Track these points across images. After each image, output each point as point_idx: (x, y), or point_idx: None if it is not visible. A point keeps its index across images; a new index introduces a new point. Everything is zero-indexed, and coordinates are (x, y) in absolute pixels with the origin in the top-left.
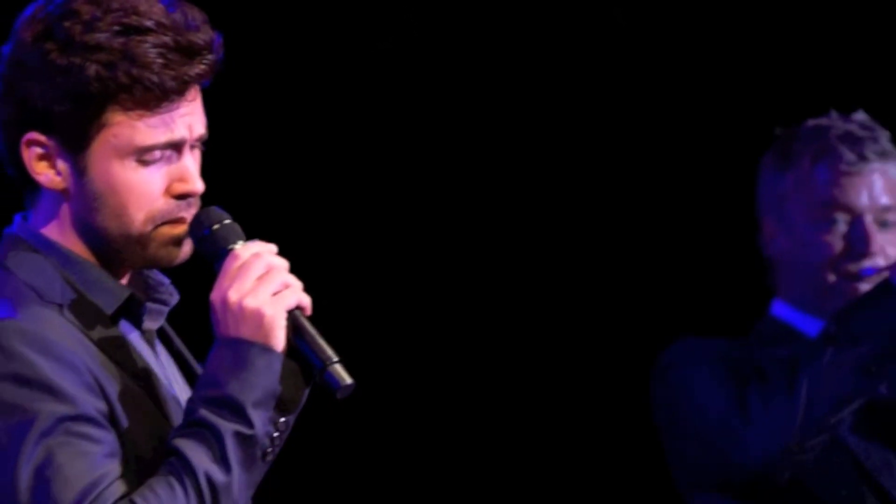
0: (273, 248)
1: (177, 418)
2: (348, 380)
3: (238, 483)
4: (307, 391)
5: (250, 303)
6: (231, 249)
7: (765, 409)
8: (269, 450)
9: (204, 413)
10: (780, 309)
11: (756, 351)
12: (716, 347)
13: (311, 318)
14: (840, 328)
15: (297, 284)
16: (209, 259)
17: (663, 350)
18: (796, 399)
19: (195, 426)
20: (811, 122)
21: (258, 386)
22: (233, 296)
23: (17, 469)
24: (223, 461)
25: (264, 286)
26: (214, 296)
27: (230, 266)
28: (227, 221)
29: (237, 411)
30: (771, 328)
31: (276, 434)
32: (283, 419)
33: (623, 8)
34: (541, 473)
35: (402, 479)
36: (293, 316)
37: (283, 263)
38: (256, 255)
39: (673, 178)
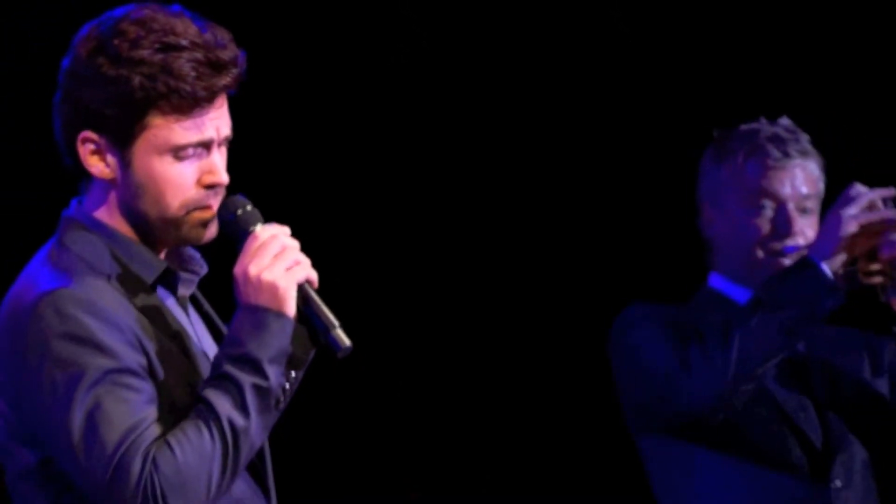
0: (287, 230)
1: (205, 371)
2: (347, 342)
3: (255, 427)
4: (313, 351)
5: (267, 276)
6: (252, 231)
7: (703, 361)
8: (281, 399)
9: (227, 368)
10: (716, 281)
11: (696, 315)
12: (662, 311)
13: (317, 291)
14: (766, 296)
15: (306, 262)
16: (233, 238)
17: (618, 314)
18: (729, 353)
19: (220, 379)
20: (744, 126)
21: (273, 346)
22: (252, 270)
23: (71, 413)
24: (243, 408)
25: (279, 262)
26: (237, 270)
27: (251, 245)
28: (249, 207)
29: (255, 367)
30: (708, 297)
31: (287, 386)
32: (293, 374)
33: (622, 12)
34: (516, 420)
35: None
36: (302, 288)
37: (295, 244)
38: (273, 237)
39: (624, 175)
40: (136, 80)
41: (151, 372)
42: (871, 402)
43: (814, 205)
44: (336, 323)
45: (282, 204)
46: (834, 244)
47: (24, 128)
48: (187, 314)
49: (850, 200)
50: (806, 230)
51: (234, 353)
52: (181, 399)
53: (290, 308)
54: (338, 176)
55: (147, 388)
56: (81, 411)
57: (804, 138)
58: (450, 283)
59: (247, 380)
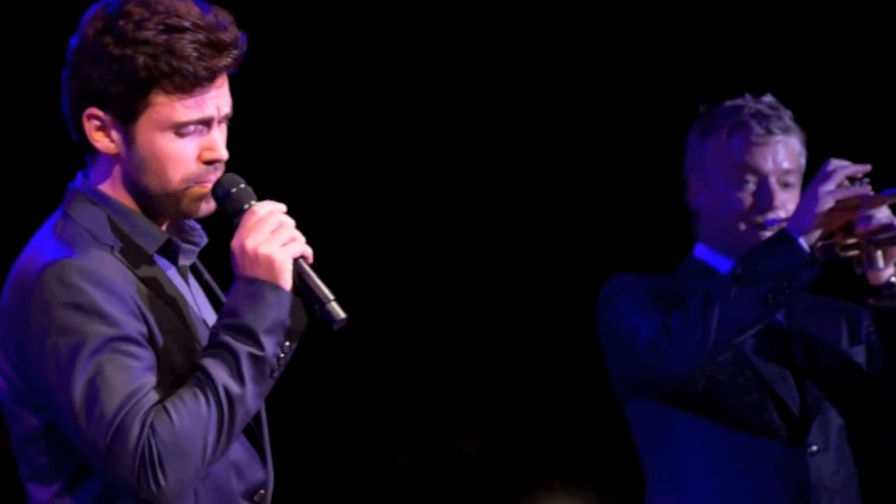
0: (283, 207)
1: (204, 339)
2: (343, 315)
3: (250, 395)
4: (306, 322)
5: (264, 250)
6: (249, 206)
7: (685, 332)
8: (276, 369)
9: (224, 337)
10: (701, 251)
11: (680, 284)
12: (645, 281)
13: (312, 266)
14: (745, 268)
15: (301, 238)
16: (229, 214)
17: (604, 283)
18: (709, 324)
19: (216, 348)
20: (728, 102)
21: (269, 316)
22: (249, 244)
23: (73, 380)
24: (239, 376)
25: (276, 237)
26: (234, 243)
27: (248, 219)
28: (243, 185)
29: (251, 336)
30: (693, 267)
31: (281, 356)
32: (287, 344)
33: None
34: (504, 385)
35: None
36: (298, 263)
37: (291, 221)
38: (271, 213)
39: (612, 148)
40: (141, 59)
41: (152, 340)
42: (848, 371)
43: (795, 179)
44: (331, 296)
45: (276, 184)
46: (811, 219)
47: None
48: (188, 284)
49: (826, 176)
50: (787, 204)
51: (231, 323)
52: (180, 366)
53: (286, 281)
54: (331, 155)
55: (147, 355)
56: (83, 378)
57: (787, 115)
58: (440, 257)
59: (243, 349)
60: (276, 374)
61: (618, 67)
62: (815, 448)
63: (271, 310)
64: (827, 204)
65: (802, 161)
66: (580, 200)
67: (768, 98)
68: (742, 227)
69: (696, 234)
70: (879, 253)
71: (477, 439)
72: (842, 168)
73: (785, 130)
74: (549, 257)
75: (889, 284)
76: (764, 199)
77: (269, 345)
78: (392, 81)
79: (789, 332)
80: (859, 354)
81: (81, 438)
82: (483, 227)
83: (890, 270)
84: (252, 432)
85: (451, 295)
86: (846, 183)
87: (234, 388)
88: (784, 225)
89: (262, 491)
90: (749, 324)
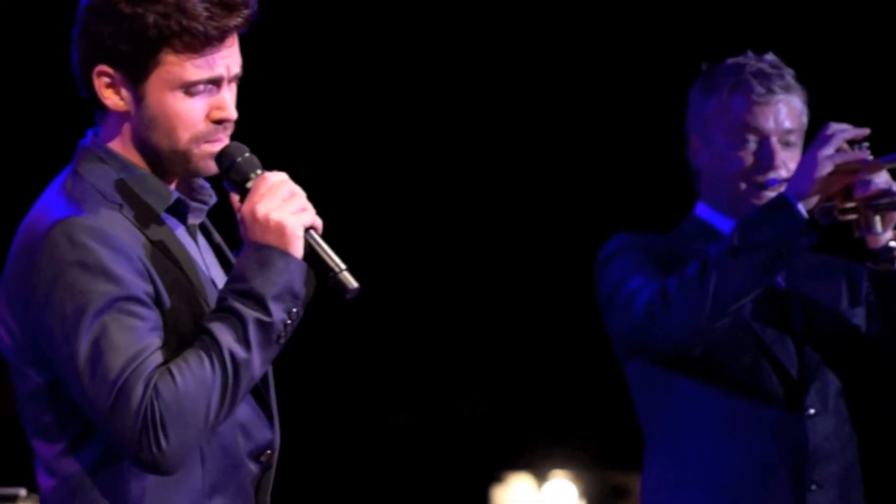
0: (287, 177)
1: (212, 299)
2: (355, 284)
3: (256, 360)
4: (313, 290)
5: (275, 216)
6: (256, 175)
7: (682, 297)
8: (283, 334)
9: (232, 302)
10: (702, 210)
11: (680, 243)
12: (645, 241)
13: (321, 236)
14: (743, 234)
15: (312, 208)
16: (233, 183)
17: (603, 244)
18: (706, 290)
19: (224, 312)
20: (730, 60)
21: (277, 283)
22: (261, 210)
23: (78, 339)
24: (245, 342)
25: (287, 205)
26: (245, 209)
27: (260, 185)
28: (248, 154)
29: (259, 302)
30: (694, 226)
31: (288, 322)
32: (294, 311)
33: None
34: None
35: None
36: (308, 233)
37: (302, 191)
38: (283, 181)
39: (613, 107)
40: (151, 18)
41: (158, 300)
42: (847, 334)
43: (796, 138)
44: (343, 266)
45: (280, 155)
46: (809, 184)
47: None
48: (196, 243)
49: (825, 140)
50: (788, 163)
51: (239, 288)
52: (187, 327)
53: (297, 248)
54: (335, 127)
55: (153, 316)
56: (88, 338)
57: (788, 73)
58: (441, 220)
59: (250, 314)
60: (283, 341)
61: (621, 24)
62: (812, 411)
63: (280, 276)
64: (826, 169)
65: (804, 119)
66: (580, 161)
67: (770, 57)
68: (742, 186)
69: (696, 192)
70: (878, 217)
71: (477, 401)
72: (841, 132)
73: (786, 89)
74: (549, 218)
75: (887, 248)
76: (765, 158)
77: (277, 311)
78: (391, 44)
79: (789, 294)
80: (859, 316)
81: (84, 398)
82: (487, 190)
83: (888, 235)
84: (259, 393)
85: (452, 257)
86: (845, 147)
87: (240, 352)
88: (782, 189)
89: (268, 451)
90: (746, 290)
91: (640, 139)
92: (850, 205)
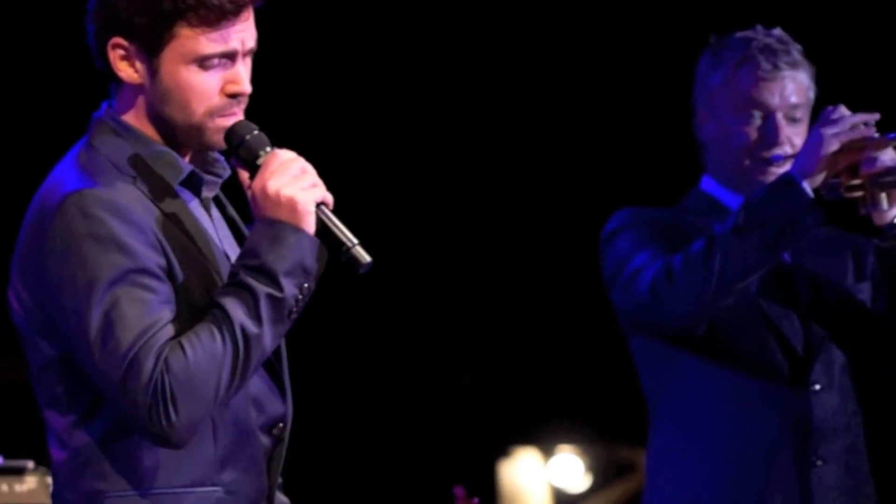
0: (296, 154)
1: (225, 271)
2: (368, 258)
3: (267, 335)
4: (324, 265)
5: (287, 192)
6: (266, 153)
7: (686, 275)
8: (294, 310)
9: (244, 277)
10: (708, 184)
11: (685, 218)
12: (650, 216)
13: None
14: (749, 213)
15: (322, 185)
16: (242, 160)
17: (608, 218)
18: (711, 269)
19: (236, 287)
20: (738, 34)
21: (289, 258)
22: (272, 185)
23: (89, 312)
24: (257, 317)
25: (299, 181)
26: (256, 184)
27: (271, 161)
28: (257, 132)
29: (271, 277)
30: (699, 200)
31: (300, 297)
32: (306, 286)
33: None
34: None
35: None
36: (320, 209)
37: (312, 168)
38: (294, 158)
39: (621, 85)
40: None
41: (171, 273)
42: (853, 309)
43: (802, 114)
44: (355, 240)
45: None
46: (815, 162)
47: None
48: (210, 216)
49: (832, 120)
50: (793, 139)
51: (251, 263)
52: (199, 300)
53: (308, 224)
54: (341, 102)
55: (164, 289)
56: (99, 310)
57: (795, 49)
58: (447, 196)
59: (262, 290)
60: (294, 316)
61: None
62: (817, 387)
63: (292, 252)
64: (832, 146)
65: (811, 95)
66: (585, 135)
67: (778, 32)
68: (747, 161)
69: (703, 165)
70: (884, 195)
71: (483, 375)
72: (848, 117)
73: (793, 65)
74: (557, 194)
75: (893, 225)
76: (770, 134)
77: (289, 286)
78: (401, 28)
79: (795, 269)
80: (864, 291)
81: (95, 370)
82: (494, 167)
83: (894, 211)
84: (272, 366)
85: (458, 231)
86: (854, 128)
87: (252, 327)
88: (787, 166)
89: (281, 424)
90: (752, 269)
91: (645, 112)
92: (857, 181)
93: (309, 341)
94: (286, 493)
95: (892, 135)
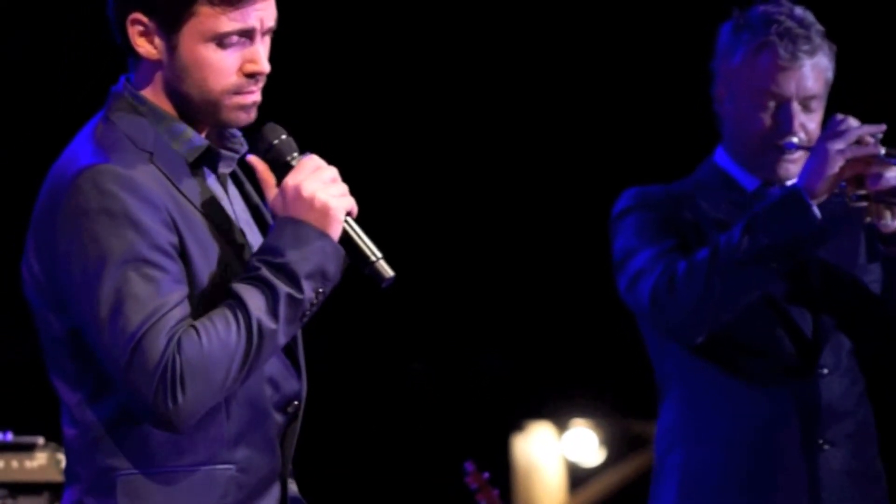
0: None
1: (239, 251)
2: (391, 273)
3: (281, 334)
4: (341, 272)
5: (321, 196)
6: (296, 157)
7: (687, 291)
8: (307, 313)
9: (266, 273)
10: (722, 157)
11: (696, 196)
12: (658, 197)
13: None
14: (756, 230)
15: (350, 196)
16: (272, 164)
17: (616, 198)
18: (711, 288)
19: (257, 281)
20: (761, 8)
21: (312, 262)
22: (307, 188)
23: (100, 287)
24: (274, 314)
25: (332, 188)
26: (289, 182)
27: (307, 164)
28: (285, 136)
29: (293, 278)
30: (712, 174)
31: (315, 302)
32: (322, 291)
33: None
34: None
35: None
36: (346, 220)
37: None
38: (327, 166)
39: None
40: None
41: (184, 252)
42: (862, 293)
43: (818, 104)
44: (379, 255)
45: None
46: (820, 180)
47: None
48: (227, 192)
49: (838, 133)
50: (807, 125)
51: (274, 261)
52: (212, 279)
53: (335, 231)
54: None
55: (176, 268)
56: (110, 286)
57: (817, 33)
58: (464, 176)
59: (283, 289)
60: (306, 319)
61: None
62: (826, 371)
63: (316, 255)
64: (837, 164)
65: (829, 76)
66: (603, 116)
67: (799, 12)
68: (761, 147)
69: (718, 135)
70: (888, 212)
71: (497, 350)
72: (855, 129)
73: (812, 53)
74: (571, 170)
75: None
76: (784, 122)
77: (308, 289)
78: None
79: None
80: (875, 272)
81: (103, 347)
82: (512, 147)
83: None
84: (287, 345)
85: (473, 210)
86: (860, 142)
87: (268, 323)
88: (800, 155)
89: (295, 402)
90: (753, 288)
91: (658, 85)
92: (862, 192)
93: (324, 315)
94: (299, 467)
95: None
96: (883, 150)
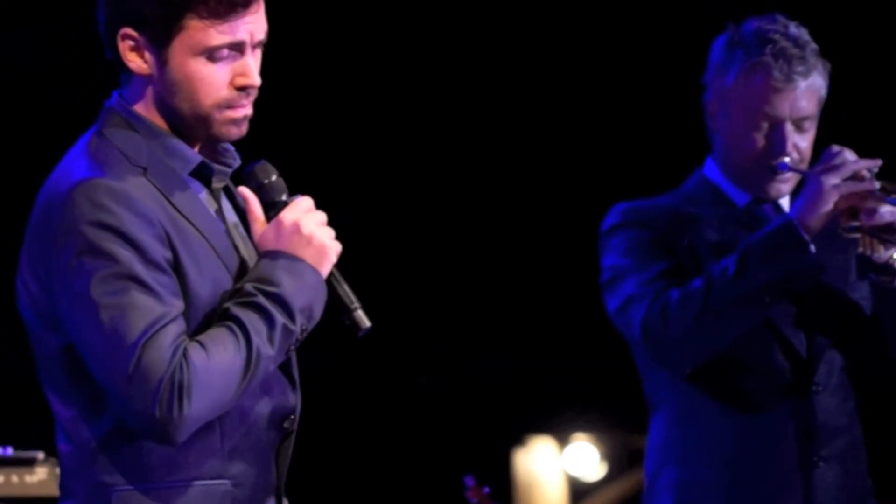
0: None
1: (233, 265)
2: (368, 323)
3: (273, 361)
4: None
5: (319, 236)
6: (284, 199)
7: (680, 324)
8: (293, 347)
9: (262, 300)
10: (712, 170)
11: (685, 210)
12: (647, 212)
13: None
14: (750, 263)
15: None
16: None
17: (604, 214)
18: (704, 324)
19: (255, 308)
20: (756, 26)
21: (304, 297)
22: (306, 225)
23: (98, 299)
24: (271, 341)
25: (325, 230)
26: (287, 217)
27: (302, 203)
28: (275, 177)
29: (288, 310)
30: (702, 187)
31: (299, 337)
32: (306, 329)
33: None
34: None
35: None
36: (335, 265)
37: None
38: (318, 211)
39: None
40: None
41: (178, 266)
42: (854, 311)
43: (811, 123)
44: (358, 304)
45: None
46: (814, 216)
47: None
48: (220, 206)
49: (834, 167)
50: (800, 144)
51: (271, 291)
52: (206, 294)
53: (325, 272)
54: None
55: (171, 282)
56: (109, 298)
57: (811, 51)
58: (468, 184)
59: (280, 319)
60: (292, 350)
61: None
62: (819, 388)
63: (308, 292)
64: (832, 199)
65: (823, 94)
66: (603, 121)
67: (794, 30)
68: (753, 167)
69: (709, 145)
70: (881, 246)
71: (499, 363)
72: (851, 163)
73: (806, 74)
74: (571, 179)
75: (889, 265)
76: (778, 143)
77: (299, 322)
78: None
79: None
80: (864, 288)
81: (99, 359)
82: (514, 154)
83: (890, 253)
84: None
85: (477, 220)
86: (856, 176)
87: (266, 350)
88: (791, 176)
89: (291, 416)
90: (746, 321)
91: (650, 95)
92: (855, 224)
93: (325, 326)
94: (299, 482)
95: (891, 199)
96: (878, 185)
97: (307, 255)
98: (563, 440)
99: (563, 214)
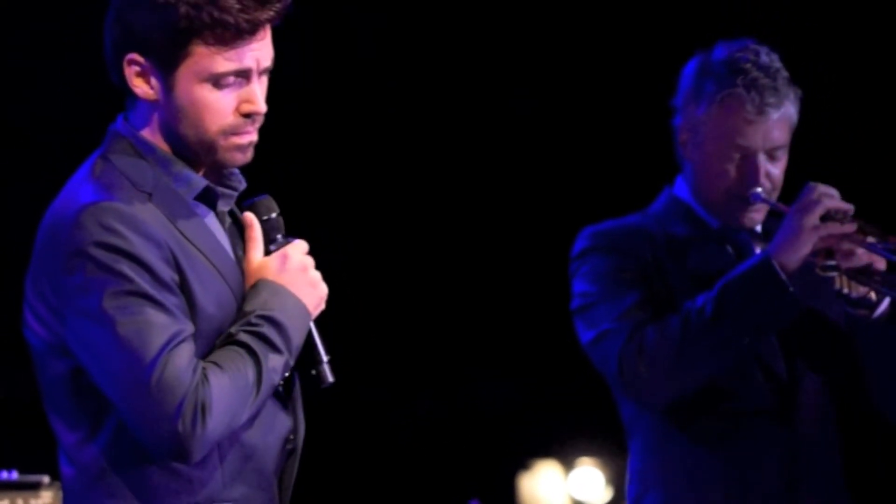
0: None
1: (238, 286)
2: (331, 378)
3: (272, 390)
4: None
5: (322, 284)
6: (281, 240)
7: (657, 364)
8: (280, 383)
9: (268, 331)
10: (682, 190)
11: (655, 230)
12: (616, 236)
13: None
14: (728, 305)
15: None
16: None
17: (573, 239)
18: (680, 366)
19: (262, 337)
20: (727, 54)
21: (300, 337)
22: (313, 271)
23: (115, 316)
24: (275, 371)
25: (317, 273)
26: (294, 254)
27: (301, 246)
28: (275, 215)
29: (290, 348)
30: (672, 206)
31: (285, 375)
32: (289, 366)
33: None
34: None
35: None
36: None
37: None
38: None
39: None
40: (183, 9)
41: (185, 288)
42: (833, 334)
43: (783, 152)
44: (326, 358)
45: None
46: (794, 257)
47: None
48: (225, 229)
49: (811, 204)
50: (772, 172)
51: (280, 331)
52: (211, 316)
53: (315, 314)
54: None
55: (181, 303)
56: (121, 315)
57: (782, 79)
58: (465, 205)
59: (285, 353)
60: (274, 387)
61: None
62: (799, 409)
63: (302, 333)
64: (811, 241)
65: (794, 120)
66: (585, 141)
67: (765, 58)
68: (726, 197)
69: (679, 164)
70: (858, 286)
71: (503, 387)
72: (828, 198)
73: (778, 105)
74: (568, 199)
75: (865, 299)
76: (750, 174)
77: (293, 359)
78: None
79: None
80: (839, 304)
81: (118, 374)
82: (504, 175)
83: (866, 289)
84: (285, 382)
85: (478, 244)
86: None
87: (275, 378)
88: (761, 207)
89: (292, 437)
90: (724, 362)
91: (628, 109)
92: (832, 263)
93: (329, 349)
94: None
95: (870, 245)
96: (856, 226)
97: (309, 299)
98: (568, 464)
99: (563, 238)
